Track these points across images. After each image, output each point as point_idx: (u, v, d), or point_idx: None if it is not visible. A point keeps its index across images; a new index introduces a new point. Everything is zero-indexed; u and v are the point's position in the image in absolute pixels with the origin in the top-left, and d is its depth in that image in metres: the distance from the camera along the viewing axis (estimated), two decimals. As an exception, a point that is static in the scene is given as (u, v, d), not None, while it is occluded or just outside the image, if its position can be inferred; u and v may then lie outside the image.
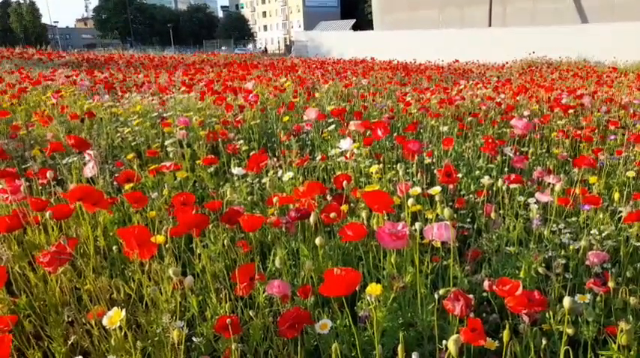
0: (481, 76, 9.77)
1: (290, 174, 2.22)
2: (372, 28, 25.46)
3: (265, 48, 50.44)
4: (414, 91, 5.44)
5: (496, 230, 1.80)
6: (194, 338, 1.25)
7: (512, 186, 1.99)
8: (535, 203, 1.91)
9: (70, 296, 1.37)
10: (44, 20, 63.01)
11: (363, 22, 36.33)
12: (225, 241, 1.59)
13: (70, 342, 1.26)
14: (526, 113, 3.86)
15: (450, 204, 2.12)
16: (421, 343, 1.38)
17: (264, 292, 1.34)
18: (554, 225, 1.82)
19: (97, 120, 3.27)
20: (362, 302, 1.37)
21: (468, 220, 2.10)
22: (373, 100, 4.74)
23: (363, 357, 1.24)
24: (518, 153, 2.72)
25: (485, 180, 1.84)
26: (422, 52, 14.97)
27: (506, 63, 12.76)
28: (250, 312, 1.27)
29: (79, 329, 1.27)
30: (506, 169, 2.53)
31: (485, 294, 1.52)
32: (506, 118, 3.68)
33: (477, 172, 2.49)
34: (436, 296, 1.21)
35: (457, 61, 13.27)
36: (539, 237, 1.77)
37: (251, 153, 2.45)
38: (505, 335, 1.02)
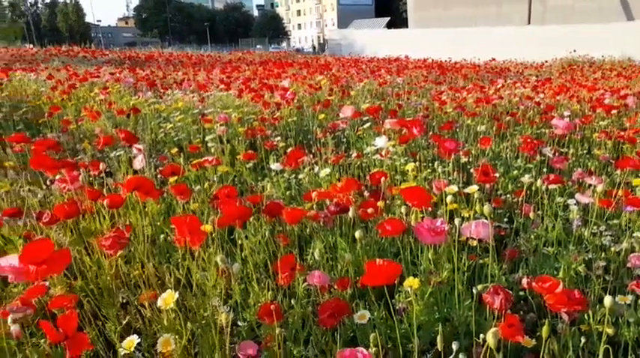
0: (519, 74, 9.56)
1: (327, 170, 2.27)
2: (407, 26, 25.20)
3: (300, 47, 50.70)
4: (450, 90, 5.39)
5: (534, 230, 1.79)
6: (239, 323, 1.31)
7: (551, 186, 1.97)
8: (575, 204, 1.88)
9: (122, 279, 1.46)
10: (88, 19, 65.48)
11: (398, 20, 36.00)
12: (266, 233, 1.65)
13: (123, 322, 1.35)
14: (566, 113, 3.77)
15: (489, 204, 2.12)
16: (457, 338, 1.40)
17: (303, 282, 1.40)
18: (595, 227, 1.79)
19: (142, 115, 3.41)
20: (399, 295, 1.40)
21: (505, 220, 2.10)
22: (408, 99, 4.73)
23: (402, 349, 1.27)
24: (557, 154, 2.67)
25: (526, 178, 1.83)
26: (457, 51, 14.74)
27: (546, 62, 12.40)
28: (291, 300, 1.33)
29: (132, 310, 1.36)
30: (545, 170, 2.50)
31: (522, 293, 1.52)
32: (545, 118, 3.61)
33: (515, 172, 2.47)
34: (474, 291, 1.23)
35: (494, 59, 12.99)
36: (579, 239, 1.75)
37: (288, 150, 2.51)
38: (544, 330, 1.03)
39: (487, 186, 2.27)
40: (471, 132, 3.27)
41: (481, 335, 1.07)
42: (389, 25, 29.64)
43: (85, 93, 4.55)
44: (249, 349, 1.21)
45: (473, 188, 1.80)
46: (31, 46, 22.23)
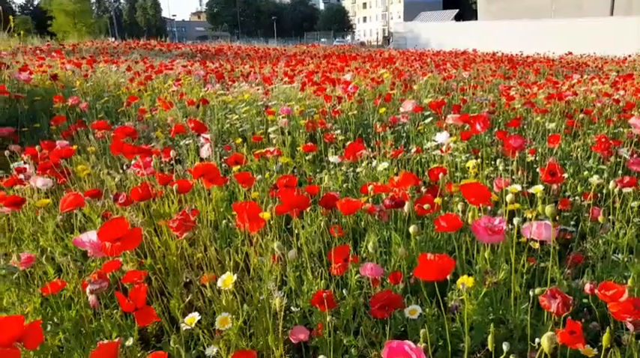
0: (598, 70, 8.91)
1: (384, 164, 2.27)
2: (476, 18, 24.25)
3: (363, 40, 50.37)
4: (519, 85, 5.15)
5: (603, 235, 1.69)
6: (292, 308, 1.36)
7: (625, 190, 1.85)
8: (652, 209, 1.76)
9: (186, 261, 1.56)
10: (164, 14, 69.15)
11: (467, 12, 34.71)
12: (322, 223, 1.69)
13: (186, 300, 1.45)
14: (649, 112, 3.49)
15: (553, 205, 2.02)
16: (512, 341, 1.36)
17: (356, 274, 1.42)
18: (674, 235, 1.66)
19: (210, 106, 3.57)
20: (452, 293, 1.38)
21: (572, 223, 1.99)
22: (473, 94, 4.58)
23: (451, 347, 1.27)
24: (635, 155, 2.49)
25: (594, 179, 1.73)
26: (530, 44, 14.00)
27: (629, 56, 11.46)
28: (343, 291, 1.36)
29: (194, 289, 1.45)
30: (620, 172, 2.34)
31: (585, 301, 1.45)
32: (624, 117, 3.36)
33: (586, 173, 2.33)
34: (531, 294, 1.19)
35: (570, 53, 12.21)
36: (654, 247, 1.64)
37: (347, 143, 2.53)
38: (605, 339, 0.98)
39: (554, 186, 2.17)
40: (539, 129, 3.12)
41: (536, 340, 1.04)
42: (457, 18, 28.69)
43: (160, 85, 4.83)
44: (300, 334, 1.26)
45: (537, 188, 1.73)
46: (113, 39, 23.83)
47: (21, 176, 2.06)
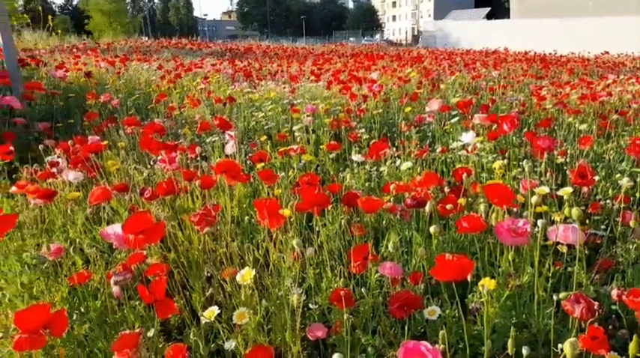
0: (636, 70, 8.58)
1: (408, 163, 2.25)
2: (509, 17, 23.71)
3: (391, 39, 49.99)
4: (552, 85, 5.01)
5: (635, 240, 1.63)
6: (311, 305, 1.36)
7: (660, 194, 1.78)
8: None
9: (209, 255, 1.59)
10: (195, 13, 70.55)
11: (499, 10, 34.01)
12: (343, 222, 1.68)
13: (207, 294, 1.47)
14: (690, 113, 3.34)
15: (583, 208, 1.96)
16: (535, 347, 1.33)
17: (376, 273, 1.41)
18: None
19: (237, 104, 3.62)
20: (473, 295, 1.36)
21: (602, 227, 1.93)
22: (503, 94, 4.48)
23: (471, 350, 1.24)
24: (673, 159, 2.39)
25: (624, 181, 1.67)
26: (564, 43, 13.59)
27: (672, 55, 11.00)
28: (362, 290, 1.35)
29: (215, 284, 1.47)
30: (656, 175, 2.25)
31: (614, 307, 1.40)
32: (662, 118, 3.23)
33: (618, 176, 2.25)
34: (555, 298, 1.16)
35: (607, 52, 11.79)
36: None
37: (371, 142, 2.52)
38: (632, 347, 0.95)
39: (584, 189, 2.10)
40: (571, 131, 3.03)
41: (559, 345, 1.01)
42: (489, 16, 28.14)
43: (189, 83, 4.92)
44: (318, 331, 1.26)
45: (566, 190, 1.68)
46: (146, 38, 24.42)
47: (54, 169, 2.14)
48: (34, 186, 1.84)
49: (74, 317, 1.37)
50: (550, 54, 11.78)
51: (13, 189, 1.88)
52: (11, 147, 2.24)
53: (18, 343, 0.95)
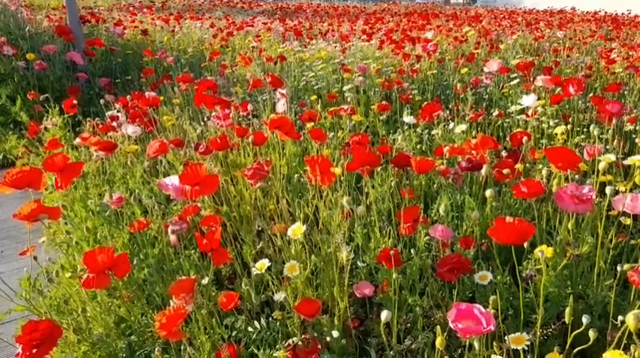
0: None
1: (462, 127, 2.17)
2: (579, -27, 21.84)
3: None
4: (623, 47, 4.62)
5: None
6: (359, 263, 1.37)
7: None
8: None
9: (259, 211, 1.62)
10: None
11: (569, -34, 31.31)
12: (393, 183, 1.66)
13: (258, 247, 1.51)
14: None
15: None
16: (591, 318, 1.29)
17: (425, 236, 1.39)
18: None
19: (287, 63, 3.59)
20: (528, 262, 1.32)
21: (674, 200, 1.80)
22: (568, 56, 4.18)
23: (523, 318, 1.22)
24: None
25: None
26: (641, 1, 12.40)
27: None
28: (411, 251, 1.34)
29: (265, 238, 1.51)
30: None
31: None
32: None
33: (696, 146, 2.07)
34: (618, 269, 1.11)
35: (692, 11, 10.68)
36: None
37: (423, 104, 2.44)
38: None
39: (655, 159, 1.95)
40: (643, 96, 2.80)
41: (619, 317, 0.97)
42: (557, -28, 25.99)
43: (240, 41, 4.92)
44: (365, 289, 1.28)
45: (635, 158, 1.57)
46: (199, -4, 24.42)
47: (114, 123, 2.23)
48: (96, 138, 1.93)
49: (134, 262, 1.45)
50: (623, 14, 10.82)
51: (77, 141, 1.98)
52: (75, 102, 2.35)
53: (87, 281, 1.03)
